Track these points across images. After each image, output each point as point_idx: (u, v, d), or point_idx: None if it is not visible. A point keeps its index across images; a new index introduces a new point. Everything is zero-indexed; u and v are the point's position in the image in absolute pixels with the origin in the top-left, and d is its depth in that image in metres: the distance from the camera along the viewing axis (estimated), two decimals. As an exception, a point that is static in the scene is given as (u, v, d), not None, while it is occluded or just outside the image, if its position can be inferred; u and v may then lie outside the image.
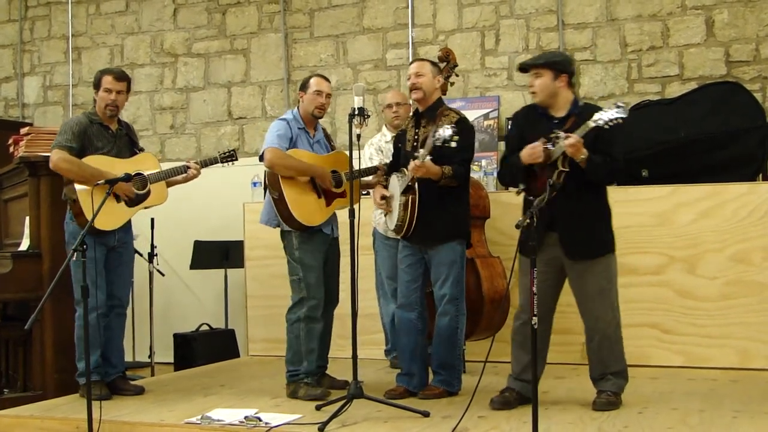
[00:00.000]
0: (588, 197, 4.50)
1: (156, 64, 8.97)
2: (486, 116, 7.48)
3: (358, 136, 4.76)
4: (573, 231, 4.49)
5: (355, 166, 5.06)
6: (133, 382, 5.63)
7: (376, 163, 5.92)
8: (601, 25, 7.46)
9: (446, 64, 5.96)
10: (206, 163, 5.60)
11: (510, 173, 4.66)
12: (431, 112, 5.08)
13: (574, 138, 4.30)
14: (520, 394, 4.67)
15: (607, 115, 4.27)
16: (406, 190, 5.02)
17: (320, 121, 5.58)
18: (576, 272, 4.56)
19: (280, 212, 5.24)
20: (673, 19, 7.26)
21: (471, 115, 7.41)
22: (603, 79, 7.45)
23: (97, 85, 5.37)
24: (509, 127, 5.06)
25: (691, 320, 5.98)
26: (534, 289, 4.01)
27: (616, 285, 4.67)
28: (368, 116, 4.81)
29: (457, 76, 6.16)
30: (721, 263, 5.93)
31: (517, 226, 4.00)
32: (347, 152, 4.93)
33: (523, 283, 4.71)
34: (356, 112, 4.72)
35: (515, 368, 4.74)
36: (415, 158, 4.84)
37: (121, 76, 5.42)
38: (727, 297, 5.91)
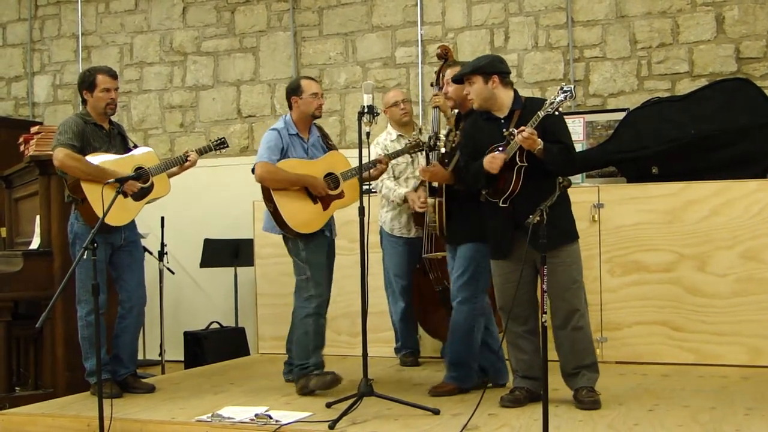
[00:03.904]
0: (547, 189, 4.45)
1: (165, 62, 8.99)
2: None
3: (368, 134, 4.78)
4: (537, 223, 4.47)
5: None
6: (143, 380, 5.64)
7: None
8: (610, 22, 7.45)
9: (445, 61, 6.01)
10: (201, 152, 5.68)
11: (472, 180, 4.70)
12: (468, 118, 5.09)
13: (527, 130, 4.34)
14: (530, 392, 4.67)
15: (555, 102, 4.35)
16: (434, 192, 5.08)
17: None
18: (548, 266, 4.53)
19: (278, 223, 5.33)
20: (683, 16, 7.24)
21: (480, 112, 7.42)
22: (612, 76, 7.43)
23: (90, 85, 5.35)
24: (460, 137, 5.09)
25: (702, 317, 5.97)
26: (544, 287, 4.01)
27: (582, 276, 4.70)
28: (377, 114, 4.82)
29: None
30: (732, 260, 5.91)
31: (527, 224, 4.00)
32: (347, 150, 4.95)
33: (497, 286, 4.75)
34: (365, 110, 4.74)
35: (519, 368, 4.75)
36: (429, 163, 4.97)
37: (115, 74, 5.45)
38: (737, 294, 5.90)
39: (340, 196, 5.42)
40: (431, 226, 5.21)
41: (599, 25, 7.48)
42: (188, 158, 5.54)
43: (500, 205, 4.57)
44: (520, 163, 4.47)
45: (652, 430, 4.09)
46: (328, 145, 5.60)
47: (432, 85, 6.15)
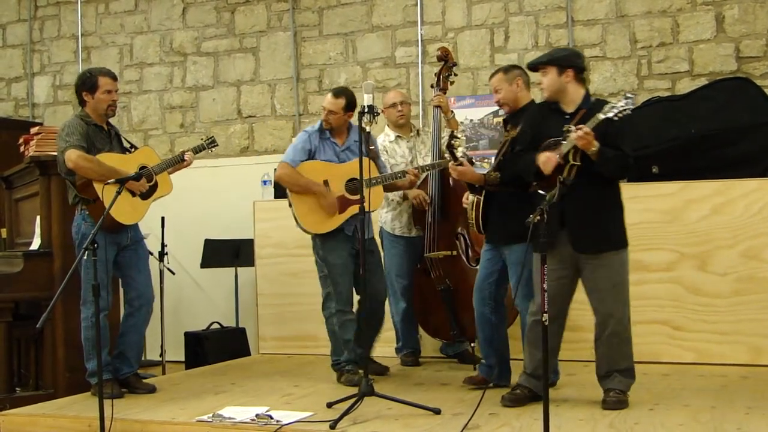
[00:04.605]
0: (599, 192, 4.49)
1: (165, 63, 8.99)
2: (495, 114, 7.47)
3: (368, 134, 4.79)
4: (582, 225, 4.48)
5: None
6: (144, 380, 5.64)
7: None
8: (610, 22, 7.45)
9: (445, 63, 6.07)
10: (196, 151, 5.70)
11: (524, 168, 4.64)
12: (515, 117, 5.09)
13: (584, 129, 4.30)
14: (532, 392, 4.65)
15: (616, 107, 4.29)
16: (475, 190, 5.11)
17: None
18: (588, 268, 4.53)
19: (295, 220, 5.58)
20: (683, 15, 7.24)
21: (480, 112, 7.45)
22: (613, 76, 7.43)
23: (92, 87, 5.33)
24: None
25: (702, 317, 5.97)
26: (544, 286, 4.00)
27: (627, 281, 4.63)
28: (378, 114, 4.84)
29: (455, 75, 6.22)
30: (732, 260, 5.91)
31: (528, 223, 4.00)
32: (367, 157, 5.04)
33: (536, 280, 4.68)
34: (366, 110, 4.75)
35: (528, 365, 4.71)
36: (457, 161, 5.01)
37: (115, 76, 5.47)
38: (738, 293, 5.89)
39: (360, 201, 5.45)
40: (469, 224, 5.22)
41: (599, 24, 7.48)
42: (184, 158, 5.56)
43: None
44: (572, 162, 4.42)
45: (653, 429, 4.09)
46: (368, 150, 5.66)
47: (432, 86, 6.17)
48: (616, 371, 4.58)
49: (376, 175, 5.53)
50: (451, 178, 5.96)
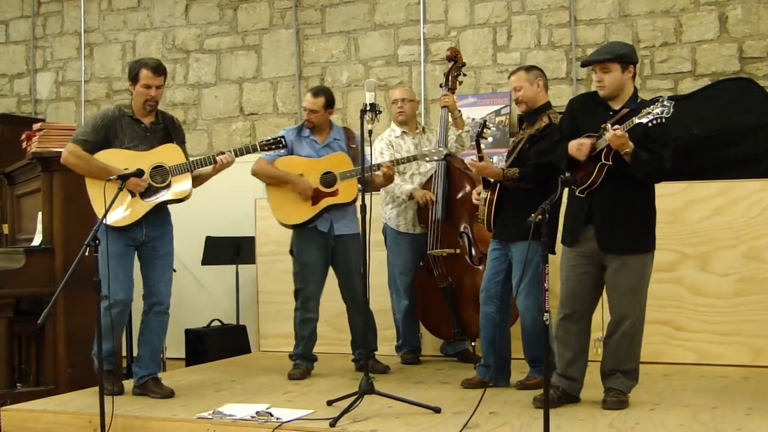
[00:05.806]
0: (630, 193, 4.44)
1: (168, 60, 8.97)
2: (498, 112, 7.48)
3: (370, 132, 4.79)
4: (611, 224, 4.44)
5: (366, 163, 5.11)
6: (164, 385, 5.30)
7: (387, 157, 6.00)
8: (613, 21, 7.44)
9: (454, 63, 6.08)
10: (243, 152, 5.31)
11: (557, 157, 4.57)
12: (532, 116, 5.09)
13: (619, 131, 4.25)
14: (565, 392, 4.60)
15: (651, 113, 4.20)
16: (488, 186, 5.11)
17: (335, 118, 5.84)
18: (612, 267, 4.48)
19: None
20: (686, 15, 7.23)
21: (482, 111, 7.43)
22: (615, 76, 7.41)
23: (134, 78, 5.05)
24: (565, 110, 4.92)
25: (704, 317, 5.96)
26: (546, 285, 3.99)
27: (647, 286, 4.58)
28: (380, 112, 4.83)
29: (464, 75, 6.22)
30: (734, 260, 5.90)
31: (529, 222, 3.98)
32: (351, 153, 5.11)
33: (562, 276, 4.66)
34: (368, 108, 4.75)
35: (559, 365, 4.65)
36: (480, 152, 5.02)
37: (160, 70, 5.08)
38: (739, 294, 5.89)
39: (334, 194, 5.66)
40: (479, 219, 5.22)
41: (602, 24, 7.47)
42: (218, 158, 5.16)
43: (577, 194, 4.50)
44: (603, 161, 4.37)
45: (654, 429, 4.09)
46: (349, 148, 5.82)
47: (441, 86, 6.18)
48: (620, 371, 4.56)
49: (351, 168, 5.64)
50: (454, 175, 6.02)
